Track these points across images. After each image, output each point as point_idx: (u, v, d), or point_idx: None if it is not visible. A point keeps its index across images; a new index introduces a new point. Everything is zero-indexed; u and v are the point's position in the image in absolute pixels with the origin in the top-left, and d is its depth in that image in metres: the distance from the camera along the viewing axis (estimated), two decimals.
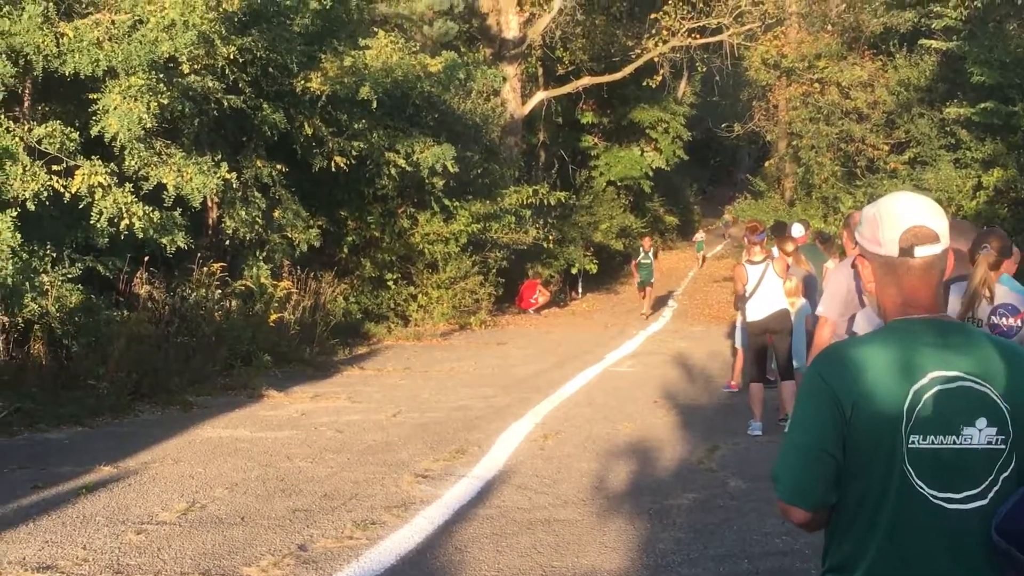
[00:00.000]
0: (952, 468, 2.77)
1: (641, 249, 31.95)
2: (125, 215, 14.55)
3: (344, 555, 7.61)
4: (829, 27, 37.06)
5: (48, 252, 14.07)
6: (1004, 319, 6.10)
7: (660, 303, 33.11)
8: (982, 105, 24.36)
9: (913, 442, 2.77)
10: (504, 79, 31.71)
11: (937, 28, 27.26)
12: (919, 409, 2.76)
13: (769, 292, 12.54)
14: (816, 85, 35.17)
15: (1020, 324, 6.07)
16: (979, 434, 2.77)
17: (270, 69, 18.59)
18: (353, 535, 8.10)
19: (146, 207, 14.79)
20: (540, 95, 38.24)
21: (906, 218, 2.89)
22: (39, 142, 14.33)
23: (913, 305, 2.91)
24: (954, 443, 2.78)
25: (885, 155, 30.57)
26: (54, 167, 14.28)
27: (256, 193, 18.84)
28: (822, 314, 8.26)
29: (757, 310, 12.62)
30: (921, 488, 2.77)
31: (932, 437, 2.77)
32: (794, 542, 7.85)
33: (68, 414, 12.55)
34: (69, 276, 14.04)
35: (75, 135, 14.56)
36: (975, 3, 26.18)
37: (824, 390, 2.83)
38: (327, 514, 8.69)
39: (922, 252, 2.88)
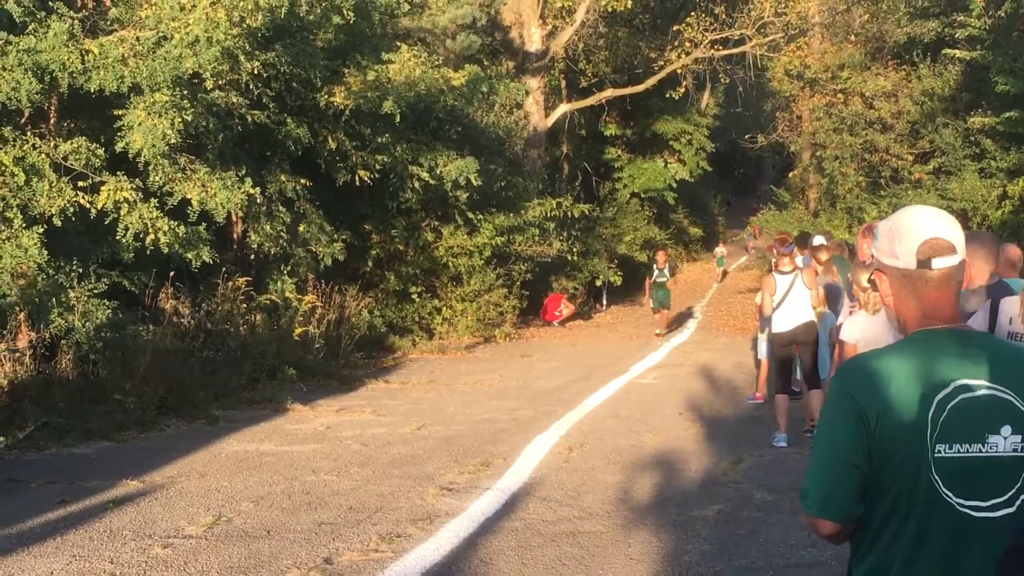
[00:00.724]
0: (979, 476, 2.78)
1: (655, 266, 29.04)
2: (150, 230, 14.63)
3: (369, 568, 7.63)
4: (852, 37, 37.07)
5: (74, 267, 14.15)
6: None
7: (681, 319, 32.92)
8: (1007, 114, 24.31)
9: (939, 451, 2.78)
10: (527, 92, 31.77)
11: (961, 37, 27.20)
12: (944, 418, 2.78)
13: (796, 303, 12.52)
14: (840, 95, 35.16)
15: None
16: (1004, 442, 2.79)
17: (294, 84, 18.66)
18: (379, 548, 8.12)
19: (171, 222, 14.86)
20: (563, 107, 38.25)
21: (922, 231, 2.92)
22: (65, 158, 14.44)
23: (933, 316, 2.94)
24: (980, 451, 2.79)
25: (909, 165, 30.52)
26: (80, 183, 14.38)
27: (280, 207, 18.90)
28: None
29: (784, 321, 12.60)
30: (948, 497, 2.78)
31: (958, 446, 2.78)
32: (820, 554, 7.83)
33: (95, 429, 12.61)
34: (95, 291, 14.11)
35: (100, 151, 14.66)
36: (999, 12, 26.10)
37: (848, 402, 2.85)
38: (352, 527, 8.71)
39: (939, 264, 2.90)
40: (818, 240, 14.53)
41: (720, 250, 49.91)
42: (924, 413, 2.79)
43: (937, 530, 2.78)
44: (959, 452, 2.78)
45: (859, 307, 8.15)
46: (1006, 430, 2.79)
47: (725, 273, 47.36)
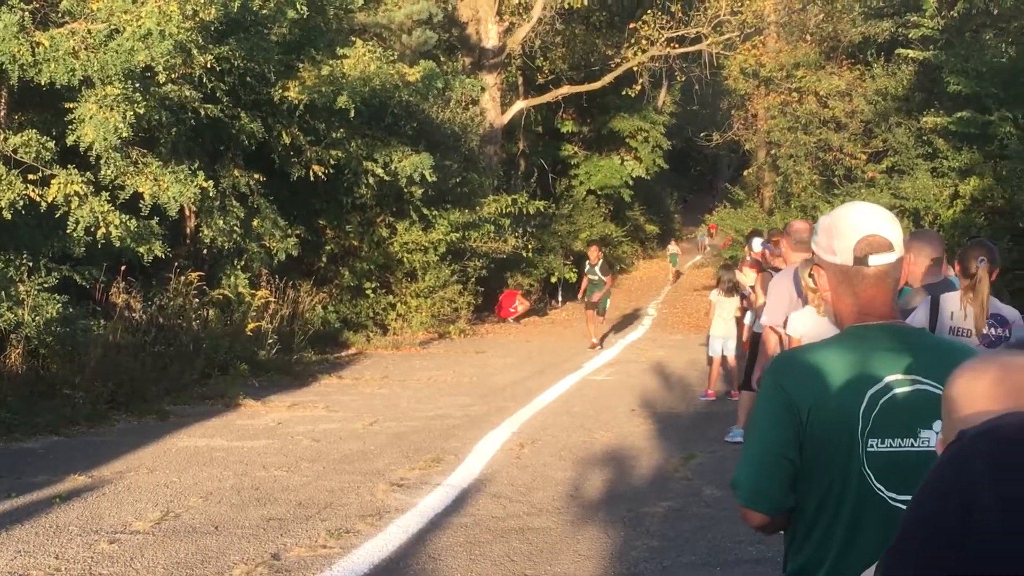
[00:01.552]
0: (910, 471, 2.79)
1: (587, 262, 25.06)
2: (102, 224, 14.52)
3: (317, 564, 7.61)
4: (807, 37, 37.24)
5: (24, 261, 14.05)
6: (994, 329, 6.26)
7: (635, 318, 32.90)
8: (959, 114, 24.47)
9: (871, 445, 2.80)
10: (483, 88, 31.80)
11: (914, 38, 27.37)
12: (876, 413, 2.80)
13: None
14: (794, 94, 35.31)
15: (1007, 334, 6.24)
16: (935, 437, 2.81)
17: (248, 78, 18.57)
18: (327, 544, 8.10)
19: (123, 216, 14.74)
20: (519, 104, 38.29)
21: (860, 227, 2.94)
22: (15, 151, 14.29)
23: (869, 312, 2.96)
24: (912, 446, 2.82)
25: (863, 164, 30.69)
26: (30, 176, 14.24)
27: (234, 202, 18.82)
28: (766, 323, 9.08)
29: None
30: (880, 491, 2.80)
31: (890, 440, 2.80)
32: (767, 550, 7.86)
33: (44, 423, 12.51)
34: (45, 285, 14.01)
35: (51, 144, 14.52)
36: (952, 13, 26.31)
37: (780, 395, 2.87)
38: (301, 523, 8.68)
39: (876, 261, 2.92)
40: (756, 244, 14.45)
41: (673, 248, 49.27)
42: (856, 407, 2.82)
43: (870, 524, 2.80)
44: (890, 447, 2.81)
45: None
46: (937, 425, 2.80)
47: (679, 274, 46.97)
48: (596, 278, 24.08)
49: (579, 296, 25.90)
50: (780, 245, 12.94)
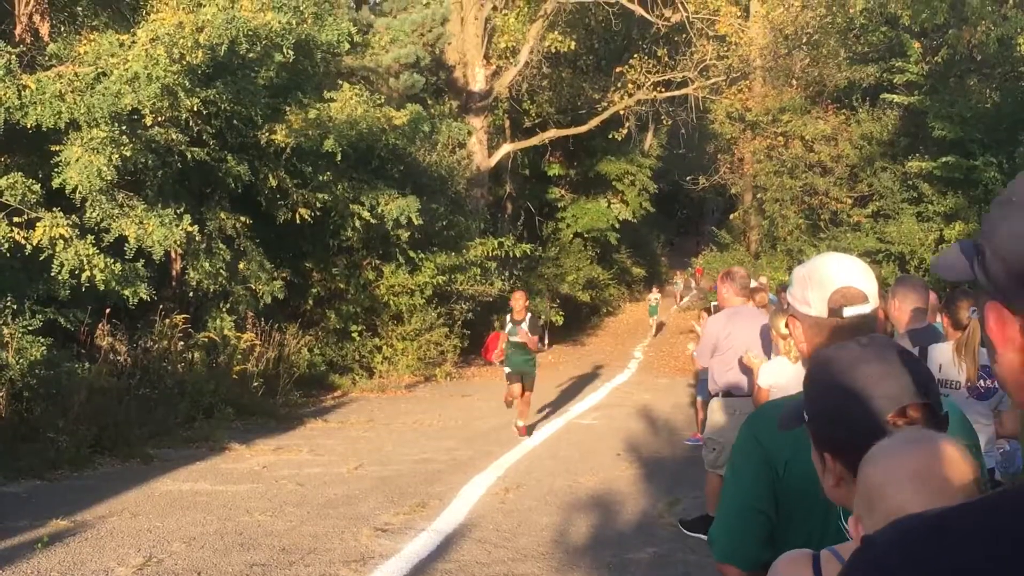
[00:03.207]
0: None
1: (509, 315, 17.20)
2: (86, 267, 14.50)
3: None
4: (793, 81, 37.50)
5: (9, 304, 14.00)
6: (983, 380, 6.23)
7: (622, 359, 32.84)
8: (943, 159, 24.64)
9: None
10: (470, 132, 31.87)
11: (899, 83, 27.60)
12: None
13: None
14: (780, 138, 35.52)
15: (996, 386, 6.20)
16: None
17: (235, 121, 18.60)
18: None
19: (108, 259, 14.73)
20: (506, 147, 38.40)
21: (835, 279, 2.93)
22: (0, 194, 14.29)
23: None
24: None
25: (848, 208, 30.86)
26: (15, 219, 14.23)
27: (220, 245, 18.81)
28: (696, 357, 10.20)
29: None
30: None
31: None
32: None
33: (26, 467, 12.44)
34: (30, 328, 13.95)
35: (37, 187, 14.52)
36: (936, 59, 26.50)
37: (756, 450, 2.86)
38: (284, 569, 8.63)
39: (850, 312, 2.91)
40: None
41: (654, 297, 45.16)
42: None
43: None
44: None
45: (778, 353, 8.24)
46: None
47: (661, 325, 44.08)
48: (517, 340, 16.61)
49: (499, 352, 17.52)
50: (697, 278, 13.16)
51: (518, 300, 17.08)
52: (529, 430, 17.09)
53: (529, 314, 16.90)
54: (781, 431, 2.41)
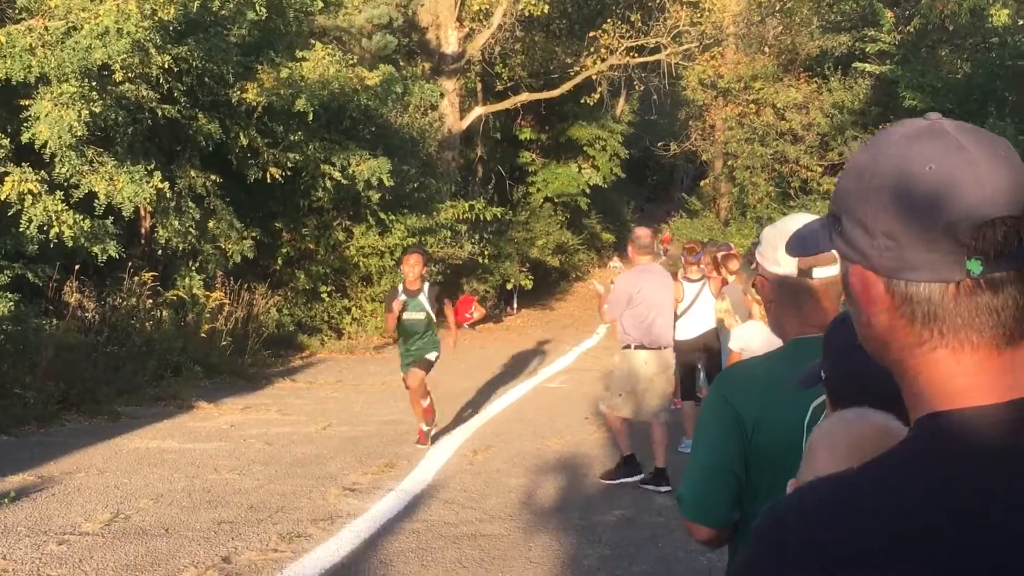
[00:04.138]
0: None
1: (400, 284, 13.03)
2: (55, 223, 14.44)
3: (268, 568, 7.58)
4: (766, 49, 37.50)
5: None
6: None
7: (580, 331, 32.87)
8: None
9: None
10: (442, 94, 31.74)
11: (871, 52, 27.63)
12: None
13: (704, 311, 12.74)
14: (752, 106, 35.55)
15: None
16: None
17: (206, 79, 18.49)
18: (278, 548, 8.07)
19: (77, 215, 14.67)
20: (478, 110, 38.27)
21: None
22: None
23: (811, 324, 2.96)
24: None
25: (819, 176, 30.96)
26: None
27: (190, 203, 18.73)
28: (606, 313, 10.80)
29: (690, 328, 12.79)
30: None
31: None
32: (717, 560, 7.88)
33: None
34: None
35: (5, 141, 14.45)
36: (908, 29, 26.54)
37: (726, 409, 2.88)
38: (252, 526, 8.65)
39: (820, 274, 2.92)
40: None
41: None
42: (800, 420, 2.81)
43: None
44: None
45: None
46: None
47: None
48: (420, 316, 12.77)
49: (389, 328, 13.49)
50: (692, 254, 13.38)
51: (412, 266, 12.66)
52: (433, 438, 12.85)
53: (427, 283, 12.84)
54: (800, 389, 2.42)
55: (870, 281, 1.36)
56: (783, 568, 1.26)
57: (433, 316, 12.81)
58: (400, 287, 12.84)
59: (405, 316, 12.62)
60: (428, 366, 12.84)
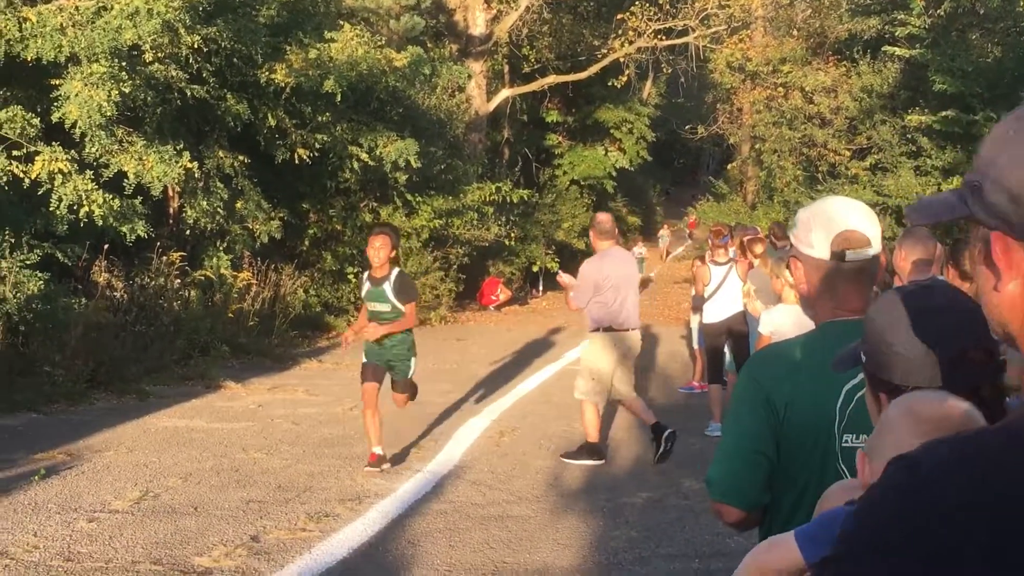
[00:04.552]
0: None
1: (366, 273, 11.02)
2: (85, 202, 14.48)
3: (296, 547, 7.62)
4: (794, 32, 37.35)
5: (7, 238, 13.99)
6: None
7: (557, 347, 32.85)
8: (943, 113, 24.58)
9: (846, 441, 2.79)
10: (469, 75, 31.77)
11: (901, 36, 27.46)
12: (852, 408, 2.79)
13: (731, 294, 12.69)
14: (780, 89, 35.38)
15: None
16: None
17: (235, 60, 18.50)
18: (306, 527, 8.12)
19: (106, 195, 14.71)
20: (505, 92, 38.24)
21: (838, 222, 2.92)
22: None
23: (844, 307, 2.94)
24: None
25: (847, 160, 30.79)
26: (14, 152, 14.19)
27: (218, 183, 18.76)
28: (573, 301, 11.12)
29: (718, 311, 12.76)
30: None
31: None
32: (745, 543, 7.87)
33: (23, 401, 12.50)
34: (27, 262, 13.94)
35: (36, 121, 14.47)
36: (938, 12, 26.38)
37: (757, 392, 2.88)
38: (280, 506, 8.69)
39: (853, 256, 2.91)
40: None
41: (639, 250, 41.41)
42: (832, 403, 2.81)
43: None
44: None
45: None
46: None
47: (648, 280, 40.61)
48: (384, 308, 10.79)
49: (351, 333, 12.17)
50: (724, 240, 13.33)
51: (378, 249, 10.57)
52: (391, 460, 10.60)
53: (396, 270, 10.79)
54: (837, 371, 2.42)
55: (1011, 246, 1.35)
56: (916, 508, 1.26)
57: (402, 308, 10.69)
58: (366, 274, 11.02)
59: (369, 307, 10.88)
60: (413, 390, 11.36)
